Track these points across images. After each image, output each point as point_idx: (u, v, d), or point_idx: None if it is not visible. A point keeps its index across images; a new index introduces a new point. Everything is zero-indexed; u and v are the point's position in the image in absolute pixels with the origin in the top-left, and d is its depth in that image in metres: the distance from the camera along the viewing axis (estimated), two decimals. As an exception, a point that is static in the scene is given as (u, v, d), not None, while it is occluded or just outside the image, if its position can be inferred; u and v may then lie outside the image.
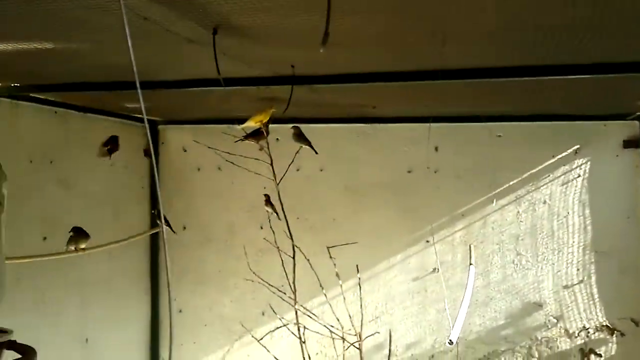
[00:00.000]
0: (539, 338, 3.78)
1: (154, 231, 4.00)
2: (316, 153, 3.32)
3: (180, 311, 4.42)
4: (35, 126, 3.34)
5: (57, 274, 3.53)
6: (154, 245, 4.43)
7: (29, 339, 1.41)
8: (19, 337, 1.35)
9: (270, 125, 3.06)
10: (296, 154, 3.23)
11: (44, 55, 2.26)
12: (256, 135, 3.06)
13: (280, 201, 3.16)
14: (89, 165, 3.77)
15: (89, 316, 3.80)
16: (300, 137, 3.22)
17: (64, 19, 1.78)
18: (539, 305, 3.79)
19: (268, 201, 3.33)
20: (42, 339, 3.41)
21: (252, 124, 2.88)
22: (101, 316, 3.90)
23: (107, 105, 3.63)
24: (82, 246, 3.10)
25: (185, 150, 4.40)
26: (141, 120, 4.28)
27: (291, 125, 3.33)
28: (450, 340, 2.78)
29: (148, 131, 4.29)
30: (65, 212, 3.54)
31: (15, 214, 3.17)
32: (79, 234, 3.10)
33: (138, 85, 1.11)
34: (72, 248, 3.09)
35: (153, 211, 3.30)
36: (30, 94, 3.20)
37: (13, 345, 1.28)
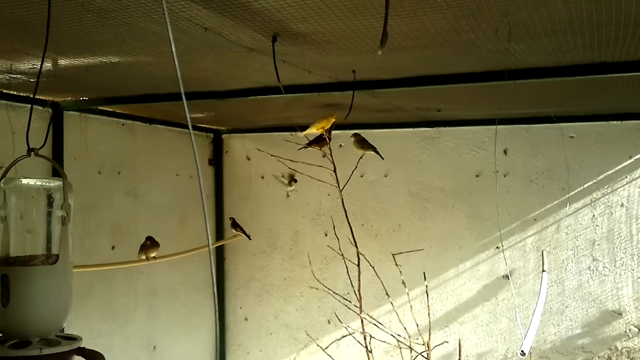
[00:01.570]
0: (619, 348, 3.63)
1: (230, 240, 4.06)
2: (382, 158, 3.30)
3: (246, 319, 4.48)
4: (103, 138, 3.46)
5: (126, 283, 3.64)
6: (219, 254, 4.51)
7: (99, 345, 1.45)
8: (90, 343, 1.39)
9: (332, 132, 3.06)
10: (359, 159, 3.22)
11: (110, 69, 2.33)
12: (319, 142, 3.06)
13: (344, 208, 3.15)
14: (155, 176, 3.87)
15: (157, 324, 3.89)
16: (363, 143, 3.21)
17: (128, 31, 1.83)
18: (618, 314, 3.64)
19: (234, 224, 3.31)
20: (112, 345, 3.52)
21: (314, 131, 2.89)
22: (168, 323, 3.99)
23: (172, 116, 3.72)
24: (153, 255, 3.16)
25: (249, 159, 4.46)
26: (206, 130, 4.38)
27: (353, 132, 3.33)
28: (522, 351, 2.70)
29: (202, 140, 4.37)
30: (132, 221, 3.64)
31: (85, 224, 3.32)
32: (151, 243, 3.16)
33: (183, 95, 1.12)
34: (144, 257, 3.15)
35: (231, 218, 3.35)
36: (99, 107, 3.32)
37: (82, 352, 1.33)
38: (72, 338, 1.35)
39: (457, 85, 2.50)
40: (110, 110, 3.43)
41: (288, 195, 3.24)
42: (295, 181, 3.26)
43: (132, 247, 3.34)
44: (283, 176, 3.24)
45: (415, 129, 4.03)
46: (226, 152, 4.51)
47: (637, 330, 3.60)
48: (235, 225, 3.42)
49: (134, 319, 3.71)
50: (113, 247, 3.50)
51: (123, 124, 3.60)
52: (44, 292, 1.34)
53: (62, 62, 2.21)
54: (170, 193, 3.99)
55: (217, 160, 4.47)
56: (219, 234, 4.43)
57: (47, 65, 2.23)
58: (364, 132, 3.36)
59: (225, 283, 4.51)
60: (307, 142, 3.10)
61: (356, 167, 3.18)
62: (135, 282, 3.70)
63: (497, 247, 3.82)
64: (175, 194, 4.03)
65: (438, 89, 2.66)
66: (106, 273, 3.41)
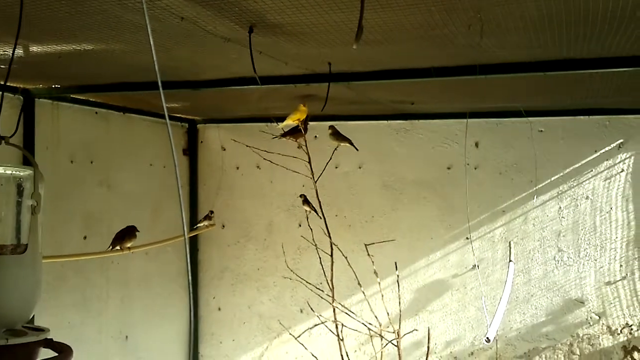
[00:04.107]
0: (581, 335, 3.69)
1: (204, 230, 4.02)
2: (357, 150, 3.30)
3: (220, 309, 4.45)
4: (76, 127, 3.39)
5: (99, 273, 3.59)
6: (193, 244, 4.48)
7: (71, 336, 1.43)
8: (62, 334, 1.36)
9: (308, 123, 3.05)
10: (334, 151, 3.21)
11: (84, 56, 2.29)
12: (294, 133, 3.05)
13: (318, 199, 3.14)
14: (129, 165, 3.81)
15: (130, 314, 3.85)
16: (337, 135, 3.21)
17: (103, 19, 1.79)
18: (580, 302, 3.70)
19: (305, 201, 3.33)
20: (84, 336, 3.48)
21: (290, 122, 2.88)
22: (141, 314, 3.95)
23: (146, 105, 3.66)
24: (128, 245, 3.11)
25: (224, 149, 4.42)
26: (181, 119, 4.33)
27: (329, 124, 3.33)
28: (487, 337, 2.74)
29: (172, 131, 4.33)
30: (105, 211, 3.59)
31: (57, 214, 3.26)
32: (127, 233, 3.09)
33: (160, 84, 1.10)
34: (118, 247, 3.09)
35: (302, 195, 3.32)
36: (71, 95, 3.25)
37: (50, 344, 1.30)
38: (39, 329, 1.32)
39: (430, 79, 2.50)
40: (84, 98, 3.36)
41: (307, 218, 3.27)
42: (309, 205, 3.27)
43: (104, 237, 3.30)
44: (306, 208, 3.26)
45: (389, 122, 4.03)
46: (201, 142, 4.47)
47: (597, 317, 3.67)
48: (306, 201, 3.38)
49: (107, 310, 3.66)
50: (85, 237, 3.45)
51: (96, 113, 3.54)
52: (12, 282, 1.31)
53: (35, 48, 2.15)
54: (143, 183, 3.94)
55: (191, 151, 4.42)
56: (194, 224, 4.39)
57: (19, 51, 2.18)
58: (339, 124, 3.36)
59: (199, 273, 4.48)
60: (283, 132, 3.09)
61: (331, 158, 3.18)
62: (108, 273, 3.65)
63: (467, 238, 3.85)
64: (149, 184, 3.98)
65: (412, 82, 2.67)
66: (78, 264, 3.35)
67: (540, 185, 3.76)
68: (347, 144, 3.20)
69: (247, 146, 3.36)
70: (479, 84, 2.65)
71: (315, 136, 4.03)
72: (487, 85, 2.69)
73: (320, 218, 3.13)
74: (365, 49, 2.11)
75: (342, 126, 3.34)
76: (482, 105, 3.65)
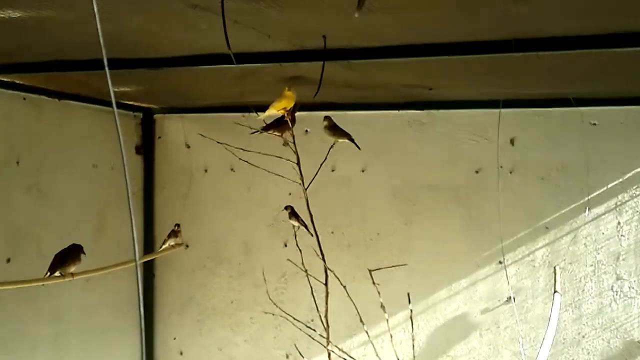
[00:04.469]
0: (647, 388, 3.71)
1: (163, 253, 4.00)
2: (359, 149, 3.30)
3: (181, 353, 4.44)
4: (-3, 117, 3.39)
5: (26, 305, 3.57)
6: (148, 269, 4.47)
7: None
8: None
9: (297, 114, 3.06)
10: (330, 149, 3.21)
11: (10, 28, 2.29)
12: (279, 126, 3.05)
13: (310, 211, 3.14)
14: (66, 166, 3.80)
15: (64, 357, 3.83)
16: (334, 129, 3.20)
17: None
18: (646, 346, 3.73)
19: (292, 213, 3.33)
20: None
21: (273, 112, 2.88)
22: (79, 356, 3.93)
23: (88, 89, 3.65)
24: (72, 270, 3.03)
25: (189, 147, 4.42)
26: (133, 108, 4.33)
27: (324, 115, 3.33)
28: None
29: (122, 121, 4.33)
30: (34, 226, 3.57)
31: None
32: (70, 254, 3.02)
33: (106, 62, 1.10)
34: (58, 273, 2.99)
35: (288, 207, 3.32)
36: (-7, 76, 3.26)
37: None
38: None
39: (453, 58, 2.51)
40: (8, 80, 3.35)
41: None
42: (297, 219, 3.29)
43: (34, 259, 3.29)
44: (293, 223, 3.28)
45: (400, 112, 4.04)
46: (159, 137, 4.47)
47: (669, 365, 3.69)
48: (294, 214, 3.37)
49: (35, 353, 3.65)
50: (8, 260, 3.43)
51: (24, 99, 3.53)
52: None
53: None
54: (85, 189, 3.93)
55: (146, 148, 4.42)
56: (149, 243, 4.38)
57: None
58: (337, 115, 3.36)
59: (155, 307, 4.46)
60: (264, 125, 3.09)
61: (326, 158, 3.17)
62: (37, 304, 3.63)
63: (500, 262, 3.86)
64: (92, 191, 3.97)
65: (430, 61, 2.67)
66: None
67: (594, 194, 3.77)
68: (347, 141, 3.19)
69: (218, 143, 3.36)
70: (515, 64, 2.67)
71: (306, 130, 4.03)
72: (526, 65, 2.70)
73: (312, 236, 3.13)
74: (369, 18, 2.11)
75: (340, 117, 3.34)
76: (520, 92, 3.67)
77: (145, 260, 4.23)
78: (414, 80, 3.32)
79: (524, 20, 2.13)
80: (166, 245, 3.84)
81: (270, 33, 2.34)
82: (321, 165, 3.15)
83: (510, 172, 3.88)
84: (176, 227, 3.85)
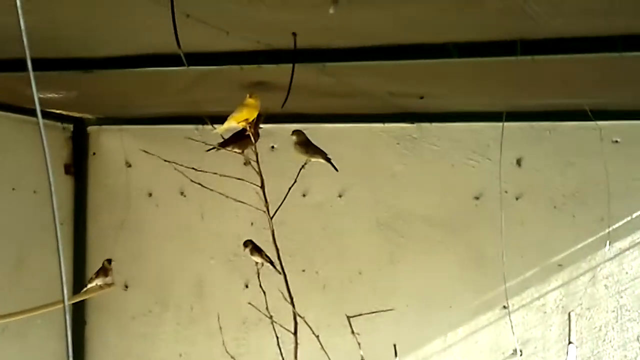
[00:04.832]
0: None
1: (96, 293, 3.95)
2: (336, 170, 3.29)
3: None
4: None
5: None
6: (78, 314, 4.44)
7: None
8: None
9: (261, 127, 3.06)
10: (301, 169, 3.22)
11: None
12: (239, 141, 3.05)
13: (276, 245, 3.13)
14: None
15: None
16: (306, 146, 3.20)
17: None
18: (680, 409, 3.75)
19: (255, 248, 3.32)
20: None
21: (233, 125, 2.88)
22: None
23: (7, 94, 3.63)
24: None
25: (130, 165, 4.42)
26: (62, 118, 4.31)
27: (294, 129, 3.33)
28: None
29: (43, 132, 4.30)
30: None
31: None
32: None
33: (29, 63, 1.10)
34: None
35: (249, 242, 3.28)
36: None
37: None
38: None
39: (448, 61, 2.54)
40: None
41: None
42: None
43: None
44: None
45: (386, 125, 4.07)
46: (93, 154, 4.46)
47: None
48: (256, 249, 3.33)
49: None
50: None
51: None
52: None
53: None
54: (2, 216, 3.90)
55: (78, 167, 4.41)
56: (79, 284, 4.34)
57: None
58: (309, 128, 3.37)
59: (87, 360, 4.44)
60: (222, 141, 3.09)
61: (295, 181, 3.17)
62: None
63: (504, 307, 3.87)
64: (11, 218, 3.94)
65: (421, 65, 2.70)
66: None
67: (616, 226, 3.80)
68: (321, 160, 3.20)
69: (165, 161, 3.35)
70: (521, 70, 2.69)
71: (273, 146, 4.04)
72: (535, 71, 2.73)
73: (280, 274, 3.13)
74: (348, 13, 2.13)
75: (313, 131, 3.34)
76: (527, 102, 3.69)
77: (74, 302, 4.16)
78: (402, 87, 3.34)
79: (532, 17, 2.15)
80: (93, 284, 3.77)
81: (229, 29, 2.34)
82: (290, 189, 3.14)
83: (517, 199, 3.91)
84: (107, 264, 3.79)
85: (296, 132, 3.20)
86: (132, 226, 4.38)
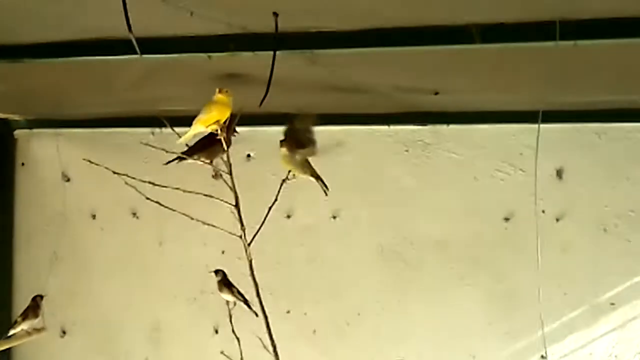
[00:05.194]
0: None
1: (22, 340, 3.95)
2: (326, 192, 3.29)
3: None
4: None
5: None
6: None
7: None
8: None
9: (235, 131, 3.06)
10: (283, 183, 3.21)
11: None
12: (207, 149, 3.05)
13: (254, 279, 3.13)
14: None
15: None
16: (294, 155, 3.19)
17: None
18: None
19: (225, 282, 3.32)
20: None
21: (199, 128, 2.88)
22: None
23: None
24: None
25: (69, 179, 4.42)
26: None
27: (282, 129, 3.32)
28: None
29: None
30: None
31: None
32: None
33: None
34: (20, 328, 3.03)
35: (35, 300, 3.27)
36: None
37: None
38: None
39: (470, 47, 2.54)
40: None
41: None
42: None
43: None
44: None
45: (392, 127, 4.09)
46: (22, 164, 4.47)
47: None
48: (227, 284, 3.32)
49: None
50: None
51: None
52: None
53: None
54: None
55: (2, 181, 4.40)
56: (2, 326, 4.33)
57: None
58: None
59: None
60: (186, 148, 3.08)
61: (276, 198, 3.17)
62: None
63: (542, 357, 3.87)
64: None
65: (435, 52, 2.71)
66: None
67: (684, 254, 3.81)
68: (312, 179, 3.19)
69: (114, 173, 3.36)
70: (562, 58, 2.70)
71: (249, 155, 4.04)
72: (578, 59, 2.74)
73: (257, 317, 3.13)
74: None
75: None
76: (569, 99, 3.70)
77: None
78: (411, 80, 3.35)
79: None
80: (19, 329, 3.75)
81: (194, 8, 2.35)
82: (271, 208, 3.14)
83: (557, 220, 3.92)
84: (38, 299, 3.77)
85: (287, 137, 3.18)
86: (71, 255, 4.38)
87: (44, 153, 4.43)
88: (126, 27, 2.18)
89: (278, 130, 3.31)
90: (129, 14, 2.14)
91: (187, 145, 3.10)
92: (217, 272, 3.34)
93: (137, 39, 2.33)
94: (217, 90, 2.78)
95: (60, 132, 4.41)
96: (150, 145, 3.21)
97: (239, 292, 3.28)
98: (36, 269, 4.42)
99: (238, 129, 3.10)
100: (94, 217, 4.39)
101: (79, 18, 2.48)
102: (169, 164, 3.10)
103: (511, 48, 2.60)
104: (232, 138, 3.03)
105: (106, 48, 2.71)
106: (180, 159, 3.10)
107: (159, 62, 2.86)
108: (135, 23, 2.20)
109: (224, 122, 2.85)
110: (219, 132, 2.87)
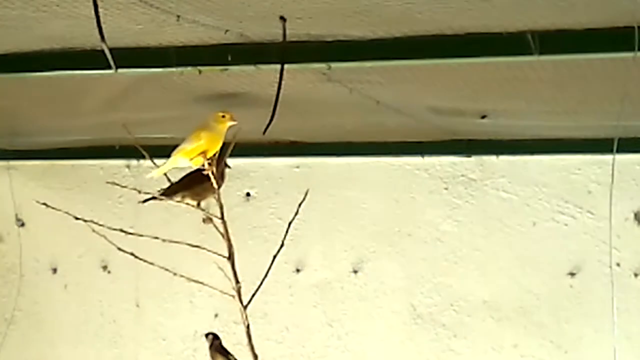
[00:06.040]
0: None
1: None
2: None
3: None
4: None
5: None
6: None
7: None
8: None
9: (230, 163, 3.06)
10: (289, 225, 3.20)
11: None
12: (195, 186, 3.05)
13: (253, 350, 3.13)
14: None
15: None
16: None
17: None
18: None
19: (220, 350, 3.32)
20: None
21: (182, 161, 2.87)
22: None
23: None
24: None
25: (23, 224, 4.44)
26: None
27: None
28: None
29: None
30: None
31: None
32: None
33: None
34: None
35: (210, 335, 3.28)
36: None
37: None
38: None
39: (526, 59, 2.54)
40: None
41: None
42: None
43: None
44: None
45: (427, 160, 4.08)
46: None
47: None
48: (221, 351, 3.34)
49: None
50: None
51: None
52: None
53: None
54: None
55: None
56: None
57: None
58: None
59: None
60: (168, 186, 3.08)
61: (282, 244, 3.15)
62: None
63: None
64: None
65: (482, 66, 2.72)
66: None
67: None
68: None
69: (77, 219, 3.36)
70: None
71: (248, 194, 4.04)
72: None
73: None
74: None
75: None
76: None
77: None
78: (452, 100, 3.35)
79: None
80: None
81: (180, 11, 2.35)
82: (274, 258, 3.13)
83: (635, 275, 3.91)
84: None
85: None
86: (25, 321, 4.38)
87: (-7, 190, 4.44)
88: (98, 36, 2.18)
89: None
90: (102, 20, 2.14)
91: (168, 180, 3.08)
92: (208, 335, 3.33)
93: (112, 50, 2.34)
94: (220, 114, 2.76)
95: (13, 165, 4.42)
96: (120, 185, 3.20)
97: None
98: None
99: (232, 161, 3.09)
100: (54, 271, 4.39)
101: (40, 24, 2.49)
102: (145, 202, 3.10)
103: (577, 60, 2.60)
104: (225, 173, 3.03)
105: (73, 60, 2.71)
106: (159, 198, 3.08)
107: (137, 77, 2.87)
108: (109, 31, 2.20)
109: (215, 154, 2.83)
110: (209, 166, 2.85)
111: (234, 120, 2.67)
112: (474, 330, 4.06)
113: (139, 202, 3.11)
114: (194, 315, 4.06)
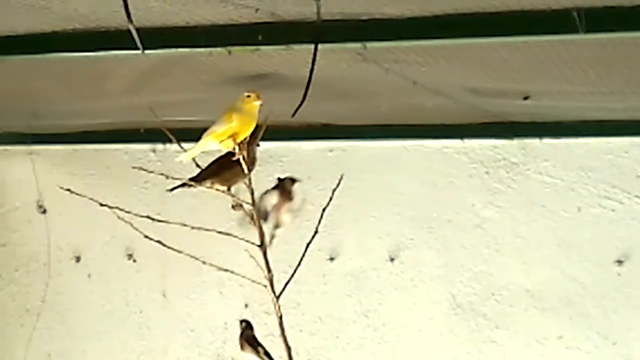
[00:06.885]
0: None
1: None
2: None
3: None
4: None
5: None
6: None
7: None
8: None
9: (261, 147, 3.06)
10: (323, 213, 3.20)
11: None
12: (224, 172, 3.05)
13: (286, 341, 3.14)
14: None
15: None
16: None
17: None
18: None
19: (249, 341, 3.32)
20: None
21: (212, 145, 2.88)
22: None
23: None
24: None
25: (45, 210, 4.47)
26: None
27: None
28: None
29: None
30: None
31: None
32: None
33: None
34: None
35: (244, 322, 3.30)
36: None
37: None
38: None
39: (571, 38, 2.54)
40: None
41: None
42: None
43: None
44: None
45: (467, 143, 4.09)
46: (-15, 191, 4.49)
47: None
48: (251, 342, 3.34)
49: None
50: None
51: None
52: None
53: None
54: None
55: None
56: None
57: None
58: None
59: None
60: (197, 172, 3.09)
61: (316, 231, 3.16)
62: None
63: None
64: None
65: (525, 45, 2.72)
66: None
67: None
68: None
69: (102, 205, 3.38)
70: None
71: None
72: None
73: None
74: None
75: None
76: None
77: None
78: (493, 81, 3.35)
79: None
80: None
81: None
82: (308, 246, 3.14)
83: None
84: None
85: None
86: (50, 311, 4.39)
87: (15, 176, 4.46)
88: (124, 15, 2.20)
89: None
90: (131, 4, 2.15)
91: (197, 166, 3.08)
92: (242, 322, 3.33)
93: (139, 30, 2.35)
94: (245, 94, 2.75)
95: (35, 150, 4.42)
96: (145, 170, 3.20)
97: (266, 354, 3.28)
98: (4, 330, 4.43)
99: (265, 144, 3.10)
100: (78, 259, 4.40)
101: (62, 3, 2.50)
102: (174, 192, 3.10)
103: (624, 38, 2.59)
104: (256, 157, 3.02)
105: (98, 41, 2.72)
106: (188, 184, 3.08)
107: (165, 58, 2.88)
108: (136, 10, 2.21)
109: (246, 138, 2.82)
110: (239, 150, 2.84)
111: (260, 100, 2.66)
112: (516, 321, 4.06)
113: (167, 190, 3.10)
114: (223, 306, 4.07)
